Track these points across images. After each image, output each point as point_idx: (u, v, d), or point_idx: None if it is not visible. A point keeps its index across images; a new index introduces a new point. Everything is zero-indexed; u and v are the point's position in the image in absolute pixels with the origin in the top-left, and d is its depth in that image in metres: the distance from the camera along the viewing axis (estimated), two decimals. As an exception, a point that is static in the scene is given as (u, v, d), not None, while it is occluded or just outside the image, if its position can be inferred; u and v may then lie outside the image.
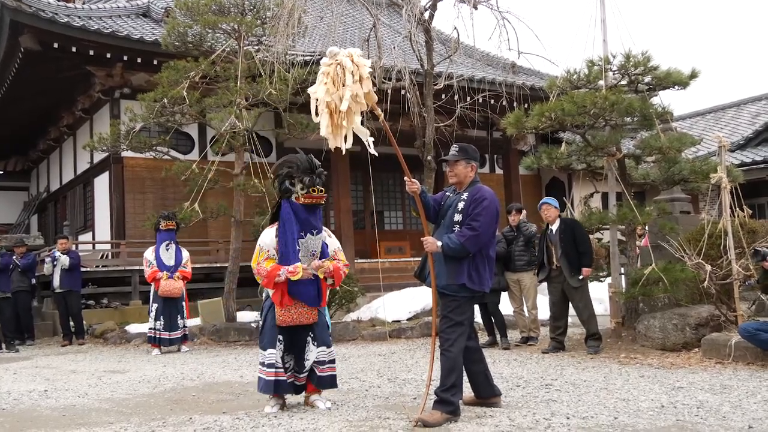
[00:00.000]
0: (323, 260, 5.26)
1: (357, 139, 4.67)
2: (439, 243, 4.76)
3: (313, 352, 5.27)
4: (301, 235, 5.19)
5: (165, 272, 9.90)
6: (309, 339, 5.30)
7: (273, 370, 5.19)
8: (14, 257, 12.13)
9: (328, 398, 5.41)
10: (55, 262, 11.76)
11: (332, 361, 5.36)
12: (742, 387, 5.56)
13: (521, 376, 6.49)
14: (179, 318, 10.05)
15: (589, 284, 8.38)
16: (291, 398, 5.50)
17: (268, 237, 5.33)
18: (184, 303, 10.24)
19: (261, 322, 5.40)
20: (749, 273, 7.42)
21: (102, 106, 15.47)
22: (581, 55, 18.86)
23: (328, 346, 5.35)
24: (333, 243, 5.47)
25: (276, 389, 5.21)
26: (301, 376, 5.30)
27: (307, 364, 5.27)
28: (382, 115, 4.76)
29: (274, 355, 5.20)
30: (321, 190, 5.18)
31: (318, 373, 5.28)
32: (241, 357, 9.02)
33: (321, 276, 5.25)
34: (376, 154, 4.58)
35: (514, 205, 9.42)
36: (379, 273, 14.00)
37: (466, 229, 4.74)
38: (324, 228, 5.48)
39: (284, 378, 5.23)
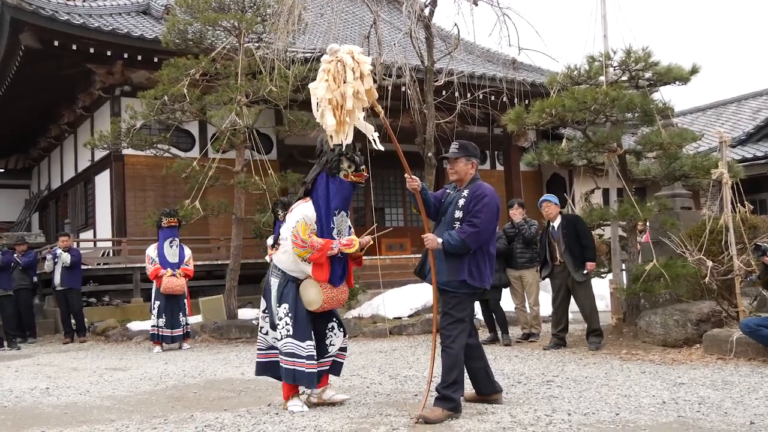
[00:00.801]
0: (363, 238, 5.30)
1: (356, 136, 4.67)
2: (440, 240, 4.76)
3: (339, 338, 5.27)
4: (335, 213, 5.14)
5: (168, 269, 9.92)
6: (334, 324, 5.27)
7: (315, 362, 5.02)
8: (15, 255, 12.14)
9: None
10: (56, 260, 11.77)
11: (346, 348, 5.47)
12: (743, 383, 5.56)
13: (522, 373, 6.49)
14: (181, 315, 10.08)
15: (591, 280, 8.37)
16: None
17: (309, 210, 5.12)
18: (186, 300, 10.27)
19: (292, 312, 5.05)
20: (750, 269, 7.41)
21: (102, 104, 15.47)
22: (582, 51, 18.86)
23: (345, 333, 5.40)
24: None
25: (318, 381, 5.13)
26: (322, 361, 5.18)
27: (332, 350, 5.25)
28: (383, 111, 4.76)
29: (312, 345, 5.05)
30: (364, 170, 5.16)
31: (339, 360, 5.35)
32: (242, 354, 9.02)
33: (360, 253, 5.30)
34: (382, 149, 4.58)
35: (515, 200, 9.39)
36: (380, 270, 14.00)
37: (466, 225, 4.74)
38: None
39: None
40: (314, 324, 5.16)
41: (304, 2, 11.05)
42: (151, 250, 10.15)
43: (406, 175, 4.87)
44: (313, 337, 5.08)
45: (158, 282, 9.95)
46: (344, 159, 5.02)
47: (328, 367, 5.26)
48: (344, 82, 4.42)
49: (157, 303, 9.96)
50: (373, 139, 4.56)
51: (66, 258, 11.63)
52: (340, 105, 4.45)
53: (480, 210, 4.75)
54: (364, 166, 5.10)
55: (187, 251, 10.40)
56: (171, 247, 10.11)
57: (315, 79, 4.62)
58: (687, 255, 7.70)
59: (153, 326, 10.03)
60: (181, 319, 10.06)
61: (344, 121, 4.48)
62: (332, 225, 5.11)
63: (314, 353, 5.04)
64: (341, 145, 4.80)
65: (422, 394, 5.00)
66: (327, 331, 5.25)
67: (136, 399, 6.03)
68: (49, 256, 12.04)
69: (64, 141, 18.76)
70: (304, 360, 4.98)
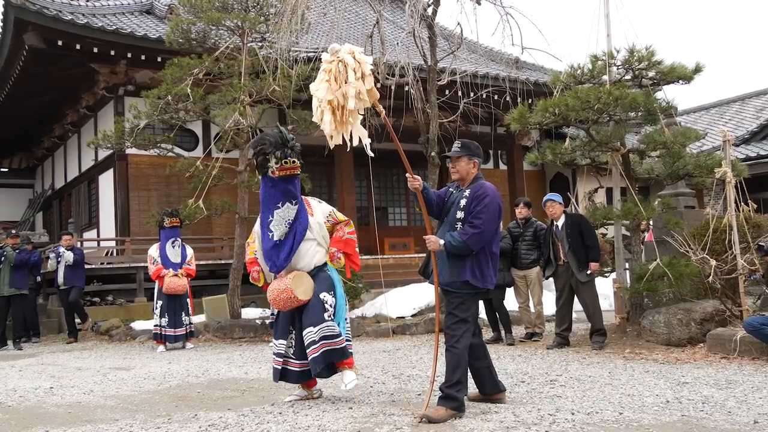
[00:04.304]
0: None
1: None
2: (442, 241, 4.75)
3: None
4: (278, 206, 5.30)
5: (170, 269, 9.93)
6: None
7: (280, 359, 5.51)
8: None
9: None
10: (59, 259, 11.77)
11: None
12: (747, 382, 5.55)
13: (526, 372, 6.49)
14: (184, 315, 10.08)
15: (595, 279, 8.36)
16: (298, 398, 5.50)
17: (257, 226, 5.57)
18: (188, 300, 10.27)
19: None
20: (754, 268, 7.40)
21: (106, 104, 15.50)
22: (585, 50, 18.83)
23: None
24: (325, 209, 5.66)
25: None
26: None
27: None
28: (384, 111, 4.75)
29: (281, 343, 5.52)
30: (294, 162, 5.28)
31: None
32: (246, 354, 9.03)
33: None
34: (373, 155, 4.61)
35: (521, 199, 9.32)
36: (383, 269, 14.00)
37: (468, 226, 4.73)
38: (313, 199, 5.65)
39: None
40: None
41: (307, 2, 11.04)
42: (153, 251, 10.16)
43: (407, 174, 4.86)
44: (286, 335, 5.41)
45: (160, 282, 9.96)
46: (270, 156, 5.23)
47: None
48: (345, 82, 4.42)
49: (160, 303, 9.98)
50: (366, 145, 4.58)
51: (69, 257, 11.63)
52: (341, 105, 4.45)
53: (481, 210, 4.74)
54: (290, 159, 5.25)
55: (189, 251, 10.41)
56: (173, 247, 10.11)
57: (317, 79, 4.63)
58: (690, 254, 7.69)
59: (156, 326, 10.05)
60: (183, 319, 10.07)
61: (347, 121, 4.48)
62: (270, 218, 5.31)
63: (281, 350, 5.37)
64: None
65: (426, 393, 5.00)
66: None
67: (139, 398, 6.04)
68: (52, 255, 12.05)
69: (67, 140, 18.80)
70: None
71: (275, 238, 5.29)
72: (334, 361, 5.21)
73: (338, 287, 5.43)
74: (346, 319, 5.44)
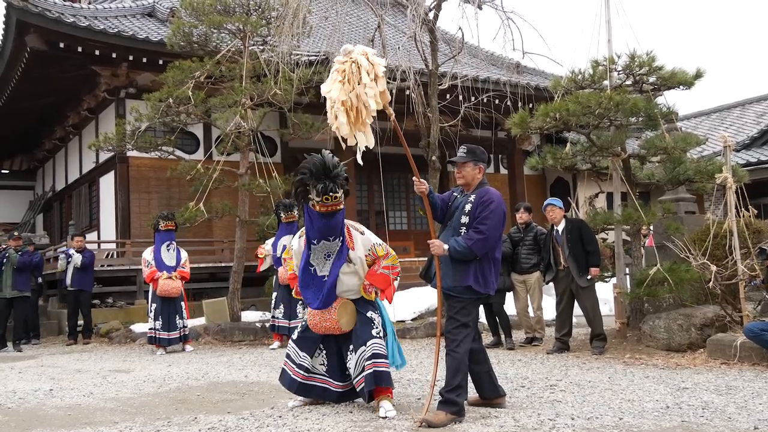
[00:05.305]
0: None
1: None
2: (446, 246, 4.75)
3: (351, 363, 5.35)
4: (314, 242, 5.07)
5: (164, 272, 9.90)
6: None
7: (301, 372, 5.46)
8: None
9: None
10: (69, 260, 11.77)
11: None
12: (747, 388, 5.55)
13: (526, 377, 6.49)
14: (178, 318, 10.03)
15: (595, 284, 8.36)
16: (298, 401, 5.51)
17: (296, 243, 5.40)
18: (183, 303, 10.22)
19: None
20: (755, 273, 7.40)
21: (107, 106, 15.51)
22: (586, 55, 18.84)
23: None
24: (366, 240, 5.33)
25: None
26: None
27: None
28: (393, 114, 4.74)
29: (306, 357, 5.49)
30: (336, 197, 4.86)
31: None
32: (245, 357, 9.02)
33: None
34: (362, 163, 4.60)
35: (522, 204, 9.33)
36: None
37: (473, 232, 4.73)
38: (355, 225, 5.38)
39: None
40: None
41: (308, 5, 11.07)
42: (147, 254, 10.13)
43: (414, 178, 4.85)
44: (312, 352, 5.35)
45: (155, 285, 9.93)
46: (311, 188, 4.87)
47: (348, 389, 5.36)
48: (358, 84, 4.39)
49: (154, 305, 9.94)
50: (357, 153, 4.54)
51: (78, 259, 11.63)
52: (355, 107, 4.41)
53: (487, 216, 4.74)
54: (334, 193, 4.85)
55: (184, 254, 10.37)
56: (168, 250, 10.07)
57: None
58: (691, 259, 7.69)
59: (150, 329, 10.00)
60: (177, 322, 10.01)
61: (364, 122, 4.44)
62: (308, 253, 5.14)
63: (304, 363, 5.31)
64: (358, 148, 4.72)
65: (426, 397, 4.99)
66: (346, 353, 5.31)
67: (139, 401, 6.03)
68: (62, 256, 12.06)
69: (68, 142, 18.81)
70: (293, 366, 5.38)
71: (320, 274, 5.14)
72: (379, 385, 5.00)
73: (382, 309, 5.33)
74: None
